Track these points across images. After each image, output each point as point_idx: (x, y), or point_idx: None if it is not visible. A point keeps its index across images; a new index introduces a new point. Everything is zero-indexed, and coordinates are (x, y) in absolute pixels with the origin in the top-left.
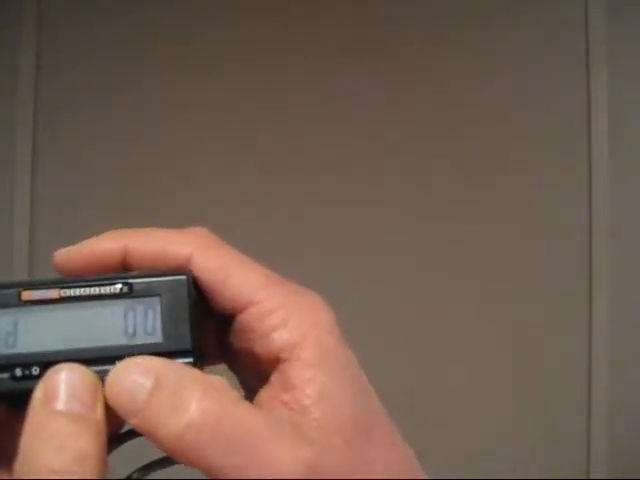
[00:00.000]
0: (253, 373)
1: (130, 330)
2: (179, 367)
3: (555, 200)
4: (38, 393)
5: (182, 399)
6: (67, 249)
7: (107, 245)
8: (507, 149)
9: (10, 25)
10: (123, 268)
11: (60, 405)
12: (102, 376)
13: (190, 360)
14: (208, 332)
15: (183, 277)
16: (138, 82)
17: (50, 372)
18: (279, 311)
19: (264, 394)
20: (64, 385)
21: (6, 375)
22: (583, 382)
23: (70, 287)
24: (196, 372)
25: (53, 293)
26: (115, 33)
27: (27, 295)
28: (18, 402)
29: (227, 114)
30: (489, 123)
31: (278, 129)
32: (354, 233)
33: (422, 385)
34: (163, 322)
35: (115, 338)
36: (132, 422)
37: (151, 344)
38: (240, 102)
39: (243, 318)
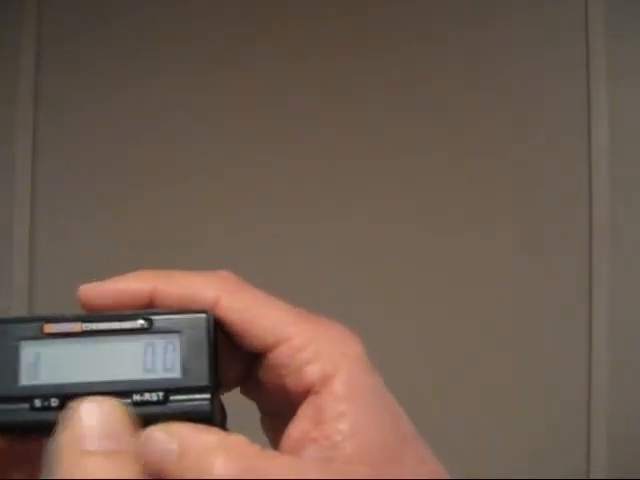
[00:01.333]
0: (280, 403)
1: (149, 365)
2: (201, 432)
3: (555, 200)
4: (67, 432)
5: (206, 464)
6: (92, 285)
7: (135, 286)
8: (507, 149)
9: (10, 25)
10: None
11: (93, 444)
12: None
13: (207, 396)
14: (232, 366)
15: (203, 315)
16: (138, 82)
17: (77, 406)
18: (310, 346)
19: (293, 431)
20: (95, 420)
21: (26, 406)
22: (583, 382)
23: (92, 321)
24: (217, 435)
25: (75, 327)
26: (115, 33)
27: (49, 328)
28: (34, 433)
29: (227, 114)
30: (489, 123)
31: (278, 129)
32: (353, 233)
33: (421, 385)
34: (182, 358)
35: (134, 372)
36: None
37: (169, 379)
38: (240, 102)
39: (274, 356)
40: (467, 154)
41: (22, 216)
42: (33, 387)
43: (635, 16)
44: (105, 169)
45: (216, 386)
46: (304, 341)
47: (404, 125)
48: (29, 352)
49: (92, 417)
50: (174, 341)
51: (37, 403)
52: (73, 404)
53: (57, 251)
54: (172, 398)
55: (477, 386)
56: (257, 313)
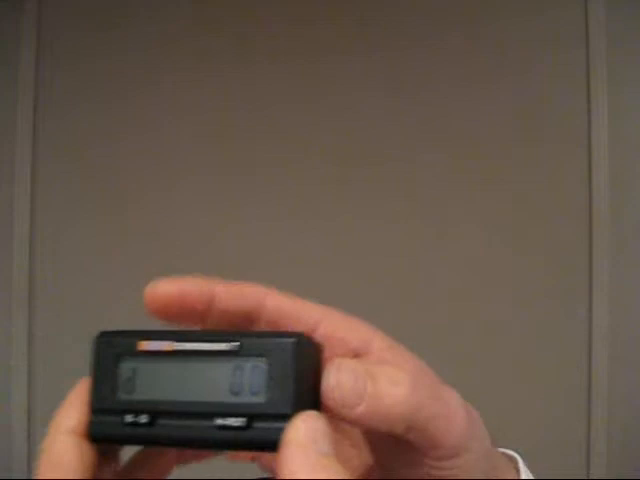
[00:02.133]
0: None
1: (236, 388)
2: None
3: (555, 200)
4: (301, 436)
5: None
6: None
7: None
8: (507, 149)
9: (10, 25)
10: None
11: (325, 447)
12: (206, 431)
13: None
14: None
15: (291, 340)
16: (138, 83)
17: (301, 419)
18: (390, 349)
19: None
20: (319, 430)
21: (119, 420)
22: (583, 382)
23: (183, 341)
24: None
25: (167, 345)
26: (115, 34)
27: (143, 345)
28: (126, 444)
29: (226, 115)
30: (489, 123)
31: (277, 129)
32: (353, 234)
33: None
34: (268, 384)
35: (221, 395)
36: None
37: (254, 404)
38: (239, 104)
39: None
40: (467, 154)
41: (22, 216)
42: (128, 402)
43: (635, 17)
44: (105, 170)
45: (303, 409)
46: (384, 345)
47: (404, 126)
48: (127, 367)
49: (318, 428)
50: (262, 365)
51: (128, 419)
52: (299, 418)
53: (57, 251)
54: (255, 425)
55: (477, 386)
56: (351, 327)
